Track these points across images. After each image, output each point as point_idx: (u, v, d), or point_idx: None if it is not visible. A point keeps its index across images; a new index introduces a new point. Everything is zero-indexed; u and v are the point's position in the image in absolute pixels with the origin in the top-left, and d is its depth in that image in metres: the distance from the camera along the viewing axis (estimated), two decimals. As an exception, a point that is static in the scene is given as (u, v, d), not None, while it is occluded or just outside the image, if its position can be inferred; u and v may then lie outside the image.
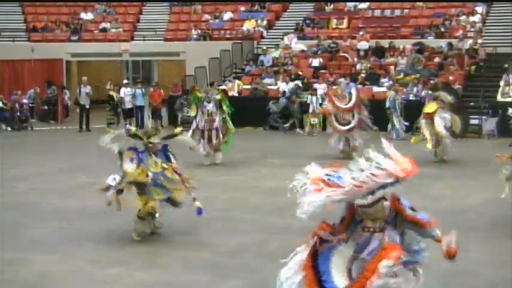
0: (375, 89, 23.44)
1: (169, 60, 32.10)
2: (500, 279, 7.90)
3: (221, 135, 15.81)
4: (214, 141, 15.73)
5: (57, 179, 14.40)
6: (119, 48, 30.71)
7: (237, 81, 25.51)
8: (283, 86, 24.15)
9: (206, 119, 15.75)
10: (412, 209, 5.51)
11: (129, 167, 9.54)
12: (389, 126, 20.81)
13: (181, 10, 33.04)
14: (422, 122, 16.22)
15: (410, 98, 21.97)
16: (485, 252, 8.91)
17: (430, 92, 17.22)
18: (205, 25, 31.06)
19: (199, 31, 30.53)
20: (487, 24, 27.46)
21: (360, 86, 23.43)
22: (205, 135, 15.70)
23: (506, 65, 22.70)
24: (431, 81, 21.37)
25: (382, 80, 23.86)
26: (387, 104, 20.90)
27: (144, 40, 31.01)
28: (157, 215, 9.69)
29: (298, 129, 23.02)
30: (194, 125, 15.93)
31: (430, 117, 15.96)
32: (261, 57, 27.18)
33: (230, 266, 8.38)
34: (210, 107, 15.83)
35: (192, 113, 16.38)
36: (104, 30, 31.75)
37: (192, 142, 14.60)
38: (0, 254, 8.87)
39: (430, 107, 16.15)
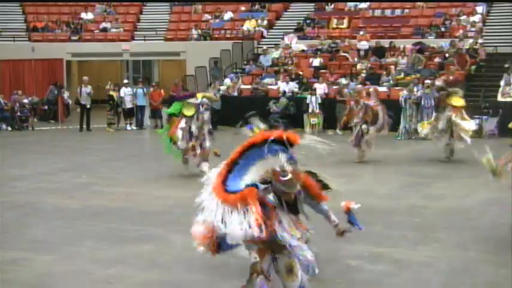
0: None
1: (169, 60, 32.14)
2: (501, 278, 7.90)
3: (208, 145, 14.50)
4: (200, 150, 14.29)
5: (58, 179, 14.40)
6: (119, 48, 30.74)
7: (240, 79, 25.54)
8: (284, 86, 24.16)
9: (198, 126, 14.42)
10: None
11: None
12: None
13: (181, 10, 33.08)
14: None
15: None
16: (485, 252, 8.91)
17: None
18: (206, 25, 31.11)
19: (199, 31, 30.57)
20: (487, 24, 27.48)
21: (360, 86, 23.54)
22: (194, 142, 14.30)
23: (506, 65, 22.71)
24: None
25: (384, 79, 23.86)
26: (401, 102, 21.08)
27: (144, 40, 31.03)
28: None
29: (337, 130, 21.52)
30: (183, 124, 14.48)
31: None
32: (261, 58, 27.20)
33: (230, 266, 8.37)
34: (207, 115, 14.68)
35: (189, 113, 14.54)
36: (105, 30, 31.77)
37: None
38: (1, 253, 8.87)
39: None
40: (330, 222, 5.95)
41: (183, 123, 14.43)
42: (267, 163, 5.48)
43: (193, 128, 14.28)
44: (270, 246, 5.61)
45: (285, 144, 5.56)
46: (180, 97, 15.91)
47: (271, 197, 5.45)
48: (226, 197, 5.37)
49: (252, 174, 5.51)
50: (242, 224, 5.26)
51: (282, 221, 5.50)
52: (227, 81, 25.22)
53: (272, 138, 5.52)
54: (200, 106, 14.50)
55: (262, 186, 5.45)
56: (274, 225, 5.42)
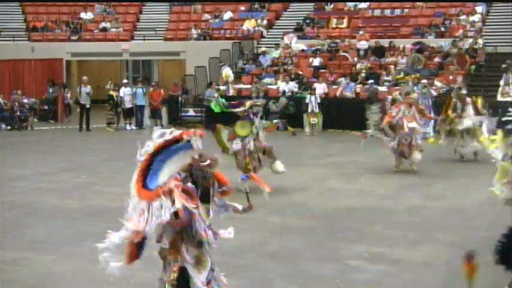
0: (375, 88, 23.44)
1: (169, 60, 32.14)
2: (500, 278, 7.90)
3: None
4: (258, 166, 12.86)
5: (57, 179, 14.39)
6: (119, 48, 30.75)
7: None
8: (283, 86, 24.16)
9: (255, 139, 12.82)
10: None
11: None
12: None
13: (181, 10, 33.10)
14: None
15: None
16: (485, 252, 8.90)
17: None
18: (205, 24, 31.12)
19: (199, 31, 30.57)
20: (487, 23, 27.49)
21: (359, 86, 23.58)
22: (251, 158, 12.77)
23: (504, 65, 22.76)
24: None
25: (386, 78, 23.84)
26: None
27: (144, 40, 31.03)
28: None
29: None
30: (239, 145, 12.76)
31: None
32: (260, 57, 27.21)
33: (230, 266, 8.36)
34: (260, 124, 13.04)
35: (244, 133, 12.83)
36: (104, 29, 31.78)
37: None
38: (1, 253, 8.86)
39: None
40: (235, 211, 6.39)
41: (237, 144, 12.75)
42: (183, 157, 5.93)
43: (251, 145, 12.78)
44: (182, 236, 5.96)
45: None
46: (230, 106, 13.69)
47: (189, 185, 5.85)
48: (150, 194, 5.81)
49: (168, 169, 5.93)
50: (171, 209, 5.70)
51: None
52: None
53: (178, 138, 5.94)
54: (251, 115, 12.88)
55: (183, 175, 5.88)
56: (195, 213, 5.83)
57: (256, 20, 30.46)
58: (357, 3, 29.85)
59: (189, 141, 5.87)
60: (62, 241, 9.53)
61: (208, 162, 5.87)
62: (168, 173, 5.90)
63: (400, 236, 9.65)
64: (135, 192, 5.94)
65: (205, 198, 5.97)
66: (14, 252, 8.96)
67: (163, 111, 25.02)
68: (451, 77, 22.74)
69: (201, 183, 5.90)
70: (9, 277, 8.01)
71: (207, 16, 31.84)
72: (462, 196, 12.38)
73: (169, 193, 5.70)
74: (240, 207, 6.40)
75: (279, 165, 12.92)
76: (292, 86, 24.21)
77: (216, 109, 13.54)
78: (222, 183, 6.16)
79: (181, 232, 5.93)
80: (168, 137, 5.97)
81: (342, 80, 24.10)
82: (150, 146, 5.97)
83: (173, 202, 5.67)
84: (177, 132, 5.97)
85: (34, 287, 7.87)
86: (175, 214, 5.68)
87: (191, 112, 25.33)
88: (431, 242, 9.38)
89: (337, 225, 10.23)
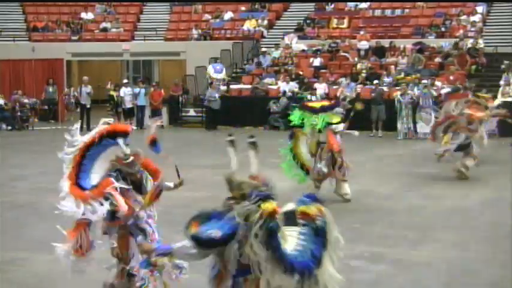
0: (375, 88, 23.41)
1: (169, 60, 32.13)
2: (501, 278, 7.90)
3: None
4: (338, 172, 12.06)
5: (57, 179, 14.31)
6: (119, 48, 30.73)
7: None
8: (284, 86, 24.16)
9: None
10: None
11: None
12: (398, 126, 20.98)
13: (181, 10, 33.08)
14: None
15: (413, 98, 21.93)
16: (485, 252, 8.91)
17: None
18: (206, 25, 31.10)
19: (199, 31, 30.57)
20: (487, 24, 27.48)
21: (360, 86, 23.56)
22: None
23: (503, 66, 22.78)
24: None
25: (385, 79, 23.82)
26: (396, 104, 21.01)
27: (144, 40, 31.02)
28: None
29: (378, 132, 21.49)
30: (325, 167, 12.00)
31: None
32: (260, 58, 27.21)
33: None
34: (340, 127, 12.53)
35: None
36: (105, 30, 31.77)
37: None
38: (1, 253, 8.87)
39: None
40: (168, 189, 6.85)
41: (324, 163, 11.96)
42: (109, 154, 6.49)
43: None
44: (128, 229, 6.47)
45: (118, 136, 6.52)
46: (305, 106, 13.12)
47: (120, 183, 6.32)
48: (85, 195, 6.35)
49: (99, 168, 6.51)
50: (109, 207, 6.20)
51: (137, 200, 6.41)
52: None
53: (105, 133, 6.58)
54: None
55: (113, 174, 6.34)
56: (133, 204, 6.37)
57: (256, 20, 30.44)
58: (358, 3, 29.84)
59: (114, 137, 6.38)
60: (61, 241, 9.52)
61: (130, 160, 6.29)
62: (99, 172, 6.42)
63: (400, 236, 9.65)
64: (67, 188, 6.52)
65: (138, 190, 6.45)
66: (14, 252, 8.96)
67: (164, 111, 25.01)
68: (451, 77, 22.72)
69: (129, 178, 6.33)
70: (9, 277, 8.02)
71: (207, 16, 31.82)
72: (462, 196, 12.38)
73: (103, 197, 6.15)
74: (171, 184, 6.82)
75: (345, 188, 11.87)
76: (293, 86, 24.19)
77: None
78: (153, 172, 6.58)
79: (125, 227, 6.40)
80: (93, 133, 6.61)
81: (343, 80, 24.08)
82: (78, 142, 6.68)
83: (110, 203, 6.13)
84: (102, 127, 6.51)
85: (34, 287, 7.87)
86: (113, 214, 6.18)
87: (192, 112, 25.33)
88: (431, 242, 9.38)
89: (337, 225, 10.21)
